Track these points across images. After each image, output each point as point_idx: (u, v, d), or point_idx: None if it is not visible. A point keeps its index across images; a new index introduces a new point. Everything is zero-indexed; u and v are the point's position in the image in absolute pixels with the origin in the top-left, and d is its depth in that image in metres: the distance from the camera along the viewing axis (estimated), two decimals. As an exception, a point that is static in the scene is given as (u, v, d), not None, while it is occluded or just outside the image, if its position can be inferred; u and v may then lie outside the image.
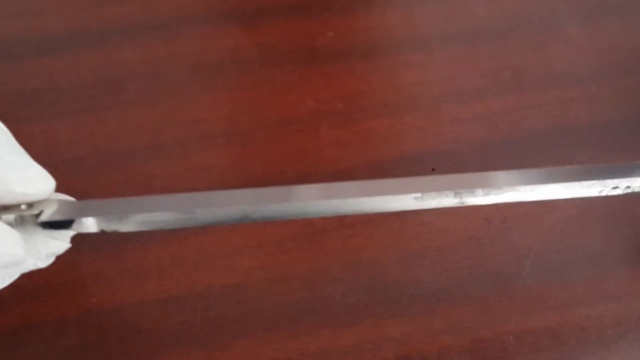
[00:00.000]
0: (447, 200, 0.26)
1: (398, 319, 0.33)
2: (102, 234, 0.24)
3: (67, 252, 0.26)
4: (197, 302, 0.32)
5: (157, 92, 0.39)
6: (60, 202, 0.24)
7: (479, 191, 0.26)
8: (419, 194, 0.25)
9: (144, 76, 0.40)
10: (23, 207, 0.24)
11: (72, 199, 0.25)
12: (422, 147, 0.38)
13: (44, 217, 0.24)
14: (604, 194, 0.26)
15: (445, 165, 0.37)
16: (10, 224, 0.23)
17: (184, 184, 0.36)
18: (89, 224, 0.24)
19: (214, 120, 0.38)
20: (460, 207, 0.35)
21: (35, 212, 0.23)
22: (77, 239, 0.27)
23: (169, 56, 0.41)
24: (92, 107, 0.39)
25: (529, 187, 0.26)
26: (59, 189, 0.25)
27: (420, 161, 0.38)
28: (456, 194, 0.26)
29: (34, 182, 0.23)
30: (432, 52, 0.42)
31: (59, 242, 0.25)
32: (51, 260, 0.25)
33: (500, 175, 0.26)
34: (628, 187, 0.26)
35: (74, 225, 0.24)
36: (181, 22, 0.43)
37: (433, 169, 0.37)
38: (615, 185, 0.26)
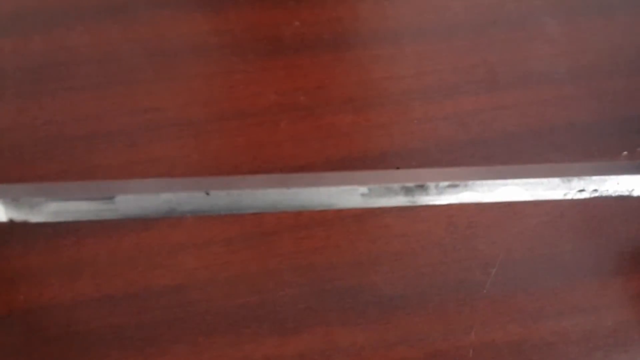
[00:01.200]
0: (398, 199, 0.23)
1: (350, 327, 0.30)
2: (10, 223, 0.22)
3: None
4: (133, 304, 0.30)
5: (107, 78, 0.37)
6: None
7: (432, 190, 0.23)
8: (365, 190, 0.23)
9: (94, 61, 0.38)
10: None
11: None
12: (387, 146, 0.36)
13: None
14: (569, 197, 0.24)
15: (411, 165, 0.35)
16: None
17: (129, 177, 0.33)
18: None
19: (166, 109, 0.36)
20: (423, 210, 0.33)
21: None
22: (5, 230, 0.25)
23: (123, 41, 0.39)
24: (37, 91, 0.36)
25: (486, 188, 0.23)
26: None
27: (384, 160, 0.35)
28: (407, 192, 0.23)
29: None
30: (403, 47, 0.40)
31: None
32: None
33: (456, 172, 0.24)
34: (595, 190, 0.24)
35: None
36: (139, 5, 0.40)
37: (397, 168, 0.35)
38: (581, 188, 0.24)
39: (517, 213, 0.34)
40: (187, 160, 0.35)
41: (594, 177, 0.24)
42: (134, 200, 0.22)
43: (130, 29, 0.40)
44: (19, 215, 0.22)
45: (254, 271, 0.31)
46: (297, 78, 0.38)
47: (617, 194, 0.25)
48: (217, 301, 0.30)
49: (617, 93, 0.38)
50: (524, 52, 0.40)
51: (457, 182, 0.24)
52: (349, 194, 0.23)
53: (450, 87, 0.39)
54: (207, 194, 0.22)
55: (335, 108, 0.37)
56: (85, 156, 0.34)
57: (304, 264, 0.32)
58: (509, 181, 0.24)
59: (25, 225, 0.23)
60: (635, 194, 0.25)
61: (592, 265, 0.32)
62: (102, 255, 0.31)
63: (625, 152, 0.36)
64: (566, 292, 0.32)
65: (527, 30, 0.42)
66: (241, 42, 0.39)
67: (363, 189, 0.23)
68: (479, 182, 0.24)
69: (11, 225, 0.23)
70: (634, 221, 0.34)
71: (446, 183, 0.24)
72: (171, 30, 0.40)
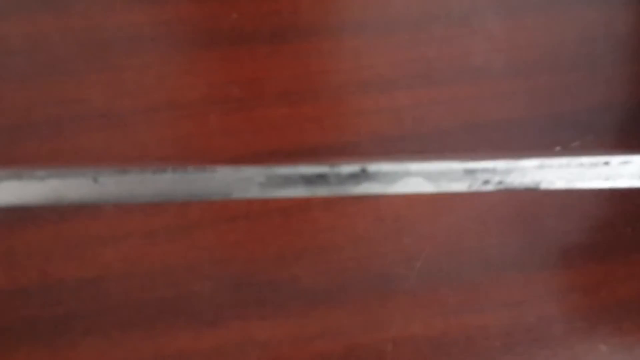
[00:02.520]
0: (297, 190, 0.23)
1: (269, 321, 0.30)
2: None
3: None
4: (47, 296, 0.29)
5: (36, 69, 0.36)
6: None
7: (333, 179, 0.23)
8: (263, 179, 0.22)
9: (24, 51, 0.37)
10: None
11: None
12: (319, 139, 0.36)
13: None
14: (473, 188, 0.24)
15: (342, 158, 0.35)
16: None
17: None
18: None
19: (94, 100, 0.35)
20: (350, 204, 0.32)
21: None
22: None
23: (56, 31, 0.38)
24: (-39, 81, 0.35)
25: (389, 178, 0.23)
26: None
27: (316, 154, 0.35)
28: (307, 182, 0.23)
29: None
30: (342, 41, 0.40)
31: None
32: None
33: (359, 163, 0.24)
34: (500, 182, 0.24)
35: None
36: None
37: (327, 162, 0.34)
38: (486, 180, 0.24)
39: (445, 207, 0.33)
40: (113, 152, 0.34)
41: (499, 169, 0.24)
42: (19, 187, 0.21)
43: (64, 19, 0.39)
44: None
45: (173, 264, 0.31)
46: (232, 70, 0.38)
47: (523, 186, 0.24)
48: (133, 294, 0.30)
49: (553, 89, 0.38)
50: (463, 47, 0.40)
51: (358, 173, 0.23)
52: (245, 183, 0.23)
53: (386, 81, 0.38)
54: (95, 181, 0.21)
55: (268, 101, 0.37)
56: (6, 147, 0.33)
57: (225, 257, 0.31)
58: (412, 172, 0.24)
59: None
60: (542, 187, 0.24)
61: (517, 260, 0.32)
62: (19, 246, 0.30)
63: (558, 147, 0.36)
64: (490, 286, 0.31)
65: (468, 26, 0.41)
66: (176, 33, 0.39)
67: (260, 178, 0.23)
68: (381, 173, 0.23)
69: None
70: (562, 216, 0.33)
71: (347, 174, 0.23)
72: (106, 21, 0.39)
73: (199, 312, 0.30)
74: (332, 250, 0.32)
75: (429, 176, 0.23)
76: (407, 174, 0.23)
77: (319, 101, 0.37)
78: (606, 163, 0.24)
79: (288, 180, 0.23)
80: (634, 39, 0.41)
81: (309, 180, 0.23)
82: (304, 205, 0.33)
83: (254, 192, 0.23)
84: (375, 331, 0.30)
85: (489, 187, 0.24)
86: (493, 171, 0.24)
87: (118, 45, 0.38)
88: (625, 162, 0.24)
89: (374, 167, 0.24)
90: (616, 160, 0.24)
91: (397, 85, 0.38)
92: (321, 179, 0.23)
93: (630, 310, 0.31)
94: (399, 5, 0.41)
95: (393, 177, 0.23)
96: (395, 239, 0.32)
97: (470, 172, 0.24)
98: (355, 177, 0.23)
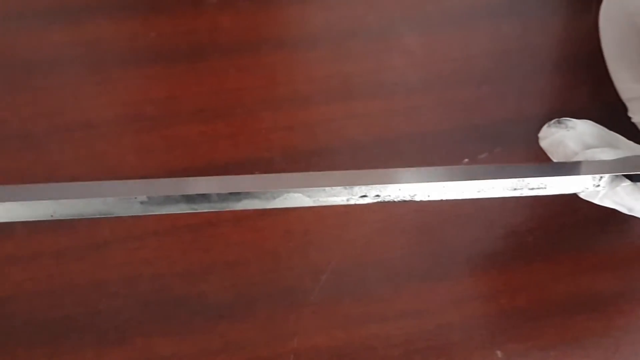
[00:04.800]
0: (179, 207, 0.24)
1: (173, 337, 0.30)
2: None
3: None
4: (-49, 317, 0.30)
5: (-49, 91, 0.37)
6: None
7: (214, 197, 0.24)
8: (144, 198, 0.23)
9: (-59, 73, 0.37)
10: None
11: None
12: (232, 156, 0.36)
13: None
14: (352, 202, 0.25)
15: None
16: None
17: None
18: None
19: (10, 121, 0.36)
20: (260, 219, 0.33)
21: None
22: None
23: (-27, 53, 0.39)
24: None
25: (269, 195, 0.24)
26: None
27: (228, 170, 0.36)
28: (188, 200, 0.24)
29: None
30: (261, 58, 0.40)
31: None
32: None
33: (241, 180, 0.24)
34: (377, 195, 0.25)
35: None
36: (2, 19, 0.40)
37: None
38: (363, 194, 0.25)
39: (353, 220, 0.34)
40: (27, 173, 0.35)
41: (377, 185, 0.25)
42: None
43: (-15, 41, 0.39)
44: None
45: (81, 283, 0.31)
46: (148, 89, 0.38)
47: (399, 199, 0.25)
48: (39, 313, 0.30)
49: (465, 102, 0.39)
50: (380, 63, 0.41)
51: (239, 191, 0.24)
52: (127, 202, 0.24)
53: (302, 97, 0.39)
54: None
55: (183, 119, 0.37)
56: None
57: (132, 275, 0.32)
58: (292, 189, 0.24)
59: None
60: (417, 198, 0.25)
61: (420, 270, 0.33)
62: None
63: (466, 160, 0.37)
64: (393, 297, 0.32)
65: (385, 42, 0.42)
66: (95, 53, 0.40)
67: (142, 197, 0.24)
68: (261, 191, 0.24)
69: None
70: (466, 226, 0.35)
71: (227, 191, 0.24)
72: (24, 43, 0.40)
73: (104, 330, 0.30)
74: (240, 265, 0.32)
75: (308, 192, 0.24)
76: (288, 191, 0.24)
77: (233, 118, 0.38)
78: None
79: (170, 199, 0.24)
80: (546, 52, 0.42)
81: (190, 198, 0.24)
82: (213, 220, 0.34)
83: (137, 211, 0.24)
84: (277, 343, 0.30)
85: (366, 201, 0.25)
86: (371, 186, 0.25)
87: (36, 67, 0.39)
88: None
89: (257, 186, 0.25)
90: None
91: (313, 101, 0.39)
92: (202, 197, 0.24)
93: (528, 317, 0.32)
94: (318, 22, 0.42)
95: (273, 193, 0.24)
96: (303, 253, 0.33)
97: (349, 188, 0.25)
98: (237, 195, 0.24)
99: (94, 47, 0.40)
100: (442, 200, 0.35)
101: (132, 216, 0.32)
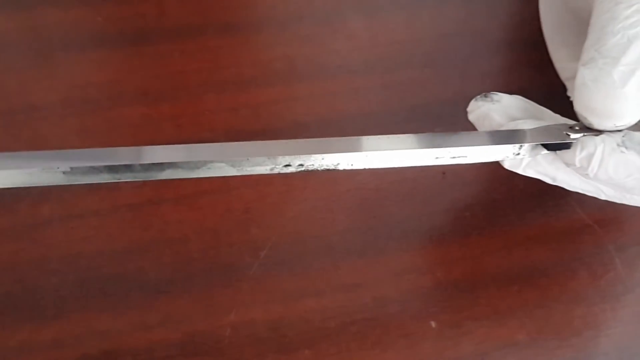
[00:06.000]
0: (102, 176, 0.24)
1: (110, 313, 0.31)
2: None
3: None
4: None
5: None
6: None
7: (137, 168, 0.24)
8: (67, 168, 0.24)
9: None
10: None
11: None
12: (176, 137, 0.37)
13: None
14: (275, 171, 0.25)
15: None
16: None
17: None
18: None
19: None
20: (200, 198, 0.34)
21: None
22: None
23: None
24: None
25: (192, 165, 0.24)
26: None
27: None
28: (110, 170, 0.24)
29: None
30: (206, 41, 0.41)
31: None
32: None
33: (164, 151, 0.25)
34: (301, 165, 0.25)
35: None
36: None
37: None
38: (287, 163, 0.25)
39: (295, 198, 0.35)
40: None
41: (300, 155, 0.26)
42: None
43: None
44: None
45: (21, 261, 0.32)
46: (92, 73, 0.39)
47: (323, 168, 0.26)
48: (-22, 291, 0.30)
49: (407, 84, 0.40)
50: (324, 46, 0.42)
51: (162, 161, 0.25)
52: (49, 173, 0.24)
53: (246, 80, 0.40)
54: None
55: (126, 101, 0.38)
56: None
57: (72, 252, 0.32)
58: (215, 159, 0.25)
59: None
60: (340, 167, 0.26)
61: (359, 246, 0.34)
62: None
63: (406, 139, 0.37)
64: (331, 271, 0.33)
65: (330, 25, 0.43)
66: (41, 39, 0.40)
67: (65, 167, 0.24)
68: (184, 161, 0.25)
69: None
70: (405, 203, 0.35)
71: (150, 162, 0.25)
72: (-30, 28, 0.40)
73: (42, 306, 0.31)
74: (180, 242, 0.33)
75: (231, 161, 0.25)
76: (212, 161, 0.25)
77: (177, 100, 0.38)
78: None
79: (93, 169, 0.24)
80: (489, 35, 0.43)
81: (113, 168, 0.24)
82: (154, 199, 0.34)
83: (59, 180, 0.24)
84: (215, 318, 0.31)
85: (290, 170, 0.26)
86: (295, 156, 0.25)
87: (-20, 51, 0.39)
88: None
89: (181, 155, 0.25)
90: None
91: (257, 83, 0.39)
92: (126, 167, 0.24)
93: (462, 289, 0.33)
94: (263, 6, 0.43)
95: (196, 163, 0.25)
96: (243, 230, 0.34)
97: (272, 158, 0.25)
98: (160, 165, 0.25)
99: (40, 33, 0.40)
100: (382, 178, 0.35)
101: (73, 195, 0.32)
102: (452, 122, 0.39)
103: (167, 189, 0.34)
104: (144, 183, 0.34)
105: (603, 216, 0.36)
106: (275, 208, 0.35)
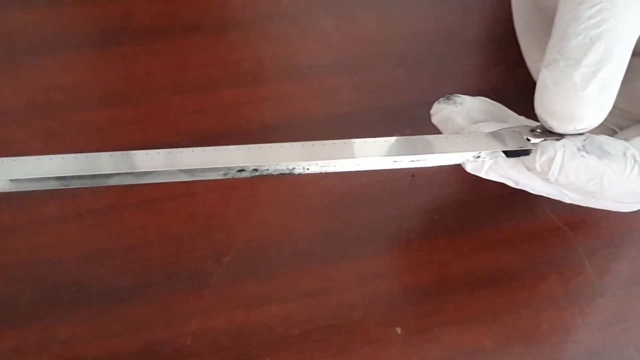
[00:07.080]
0: (50, 183, 0.24)
1: (70, 321, 0.30)
2: None
3: None
4: None
5: None
6: None
7: (86, 176, 0.24)
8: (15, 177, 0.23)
9: None
10: None
11: None
12: (140, 140, 0.36)
13: None
14: (229, 176, 0.25)
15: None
16: None
17: None
18: None
19: None
20: (163, 203, 0.33)
21: None
22: None
23: None
24: None
25: (155, 175, 0.24)
26: None
27: (136, 155, 0.35)
28: (59, 178, 0.24)
29: None
30: (173, 42, 0.40)
31: None
32: None
33: (128, 158, 0.24)
34: (255, 170, 0.25)
35: None
36: None
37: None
38: (241, 168, 0.25)
39: (259, 203, 0.35)
40: None
41: (259, 162, 0.25)
42: None
43: None
44: None
45: (-21, 269, 0.31)
46: (57, 76, 0.38)
47: (277, 172, 0.25)
48: None
49: (378, 84, 0.40)
50: (294, 46, 0.41)
51: (130, 171, 0.24)
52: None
53: (214, 81, 0.39)
54: None
55: (91, 104, 0.37)
56: None
57: (33, 259, 0.32)
58: (174, 167, 0.24)
59: None
60: (296, 172, 0.26)
61: (324, 251, 0.33)
62: None
63: (375, 141, 0.37)
64: (296, 277, 0.32)
65: (301, 25, 0.42)
66: (4, 42, 0.39)
67: (13, 176, 0.23)
68: (146, 171, 0.24)
69: None
70: (372, 207, 0.35)
71: (99, 172, 0.24)
72: None
73: (1, 315, 0.30)
74: (141, 248, 0.32)
75: (189, 170, 0.24)
76: (172, 169, 0.24)
77: (142, 103, 0.37)
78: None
79: (41, 179, 0.23)
80: (462, 35, 0.43)
81: (61, 176, 0.24)
82: (117, 205, 0.34)
83: (6, 188, 0.23)
84: (175, 326, 0.30)
85: (244, 175, 0.25)
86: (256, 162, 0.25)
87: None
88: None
89: (143, 165, 0.24)
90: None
91: (224, 85, 0.39)
92: (73, 176, 0.24)
93: (429, 294, 0.32)
94: (233, 6, 0.42)
95: (159, 173, 0.24)
96: (207, 236, 0.33)
97: (226, 164, 0.25)
98: (126, 175, 0.24)
99: (3, 36, 0.40)
100: (351, 181, 0.35)
101: (35, 201, 0.32)
102: (423, 124, 0.39)
103: (129, 194, 0.34)
104: (106, 188, 0.34)
105: (574, 218, 0.35)
106: (239, 213, 0.34)
